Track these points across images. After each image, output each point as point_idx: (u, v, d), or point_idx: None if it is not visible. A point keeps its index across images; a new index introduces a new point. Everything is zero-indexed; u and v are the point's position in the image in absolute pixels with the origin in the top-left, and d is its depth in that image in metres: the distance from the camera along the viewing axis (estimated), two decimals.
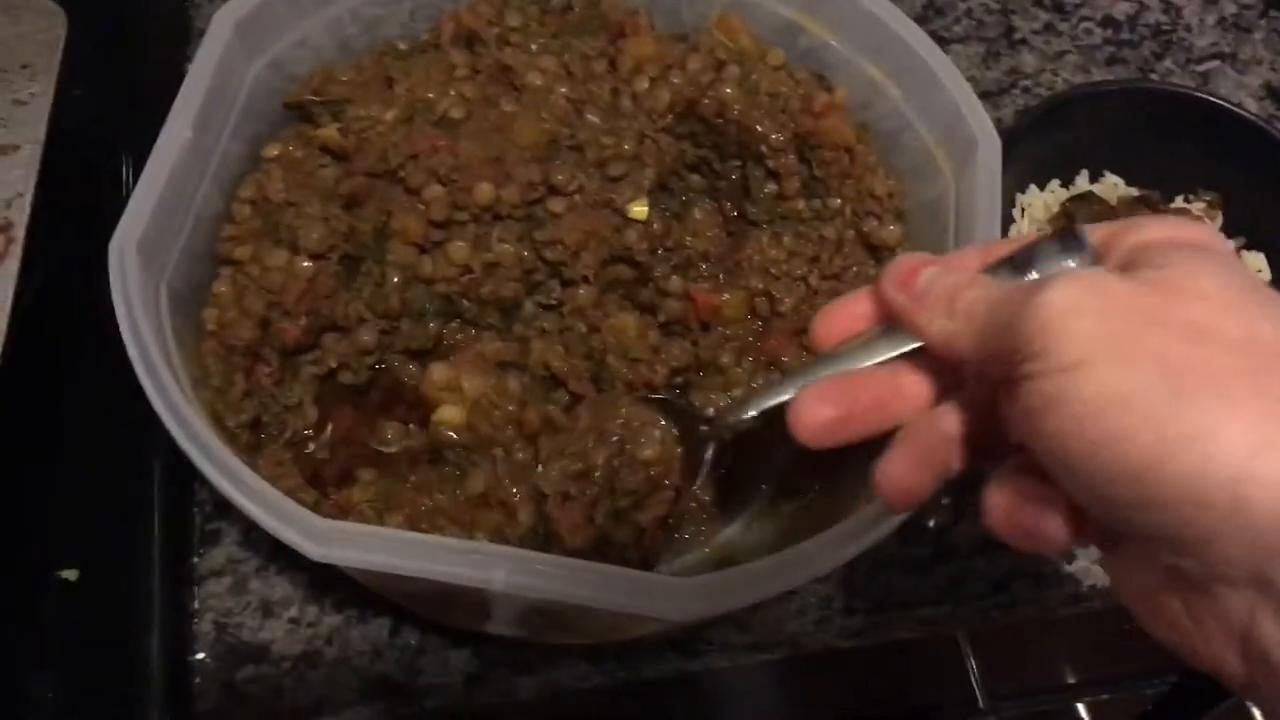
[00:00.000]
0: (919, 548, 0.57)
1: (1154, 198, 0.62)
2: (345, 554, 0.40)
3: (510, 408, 0.52)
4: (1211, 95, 0.62)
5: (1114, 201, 0.62)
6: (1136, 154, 0.63)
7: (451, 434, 0.51)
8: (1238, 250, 0.61)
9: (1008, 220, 0.62)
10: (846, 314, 0.37)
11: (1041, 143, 0.61)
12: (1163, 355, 0.27)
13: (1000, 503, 0.32)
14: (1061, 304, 0.28)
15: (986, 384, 0.32)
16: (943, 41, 0.74)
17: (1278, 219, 0.60)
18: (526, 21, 0.57)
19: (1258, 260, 0.61)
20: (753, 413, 0.40)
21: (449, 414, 0.52)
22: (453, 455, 0.52)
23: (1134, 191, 0.63)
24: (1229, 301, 0.28)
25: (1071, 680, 0.89)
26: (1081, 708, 0.90)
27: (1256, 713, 0.91)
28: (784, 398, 0.37)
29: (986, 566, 0.56)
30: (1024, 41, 0.74)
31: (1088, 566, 0.57)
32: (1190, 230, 0.33)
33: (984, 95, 0.72)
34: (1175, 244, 0.31)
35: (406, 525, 0.49)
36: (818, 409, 0.35)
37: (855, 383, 0.35)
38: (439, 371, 0.53)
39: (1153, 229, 0.32)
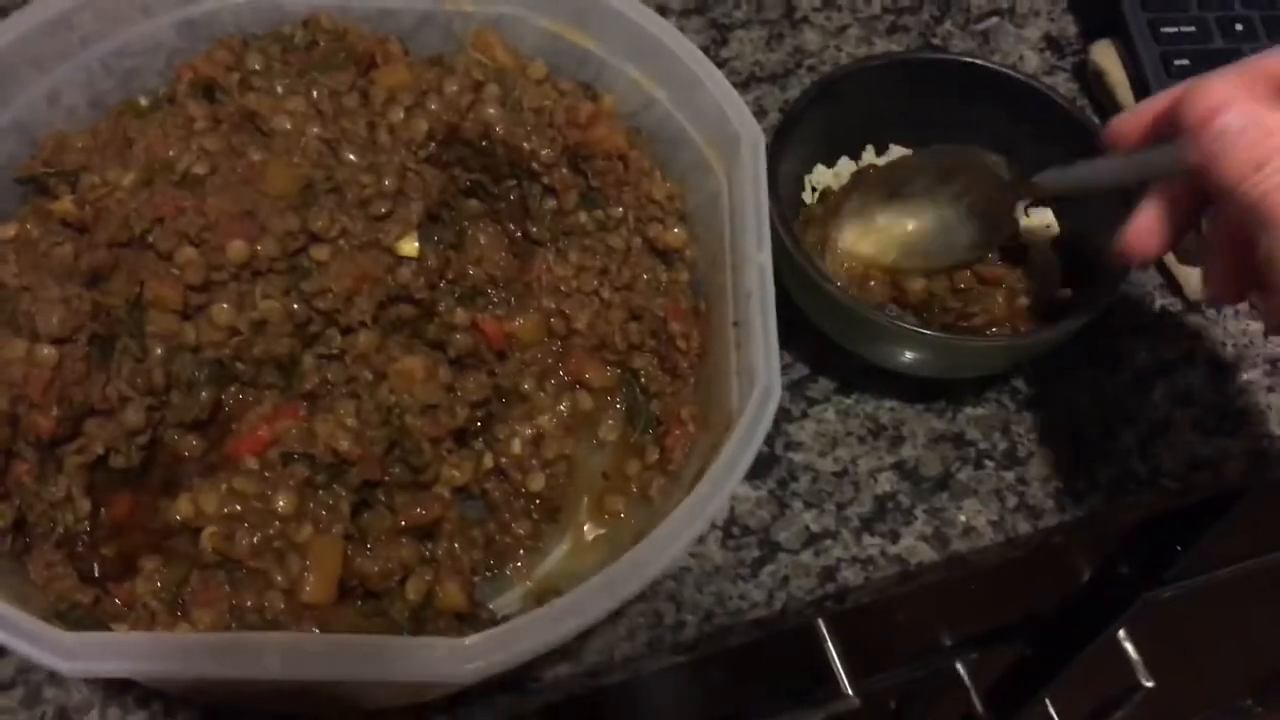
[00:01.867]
0: (745, 551, 0.56)
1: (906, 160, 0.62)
2: (100, 666, 0.37)
3: (275, 524, 0.47)
4: (980, 59, 0.63)
5: None
6: (920, 122, 0.62)
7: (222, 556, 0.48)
8: (1025, 209, 0.61)
9: (797, 202, 0.61)
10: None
11: (823, 121, 0.61)
12: None
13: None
14: None
15: None
16: (724, 28, 0.73)
17: None
18: (269, 62, 0.54)
19: (1045, 215, 0.62)
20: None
21: (210, 540, 0.48)
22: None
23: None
24: None
25: (946, 643, 0.90)
26: (959, 667, 0.91)
27: (1128, 646, 0.93)
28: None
29: (812, 559, 0.56)
30: (805, 20, 0.74)
31: (913, 545, 0.56)
32: None
33: (770, 78, 0.71)
34: None
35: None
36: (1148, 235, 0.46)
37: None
38: (183, 504, 0.49)
39: None
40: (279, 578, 0.46)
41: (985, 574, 0.61)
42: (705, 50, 0.71)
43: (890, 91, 0.62)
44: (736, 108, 0.52)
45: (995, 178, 0.56)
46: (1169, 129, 0.44)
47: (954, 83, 0.62)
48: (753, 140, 0.51)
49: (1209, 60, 0.66)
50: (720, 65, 0.71)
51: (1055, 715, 1.05)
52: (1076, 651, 0.94)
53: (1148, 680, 0.91)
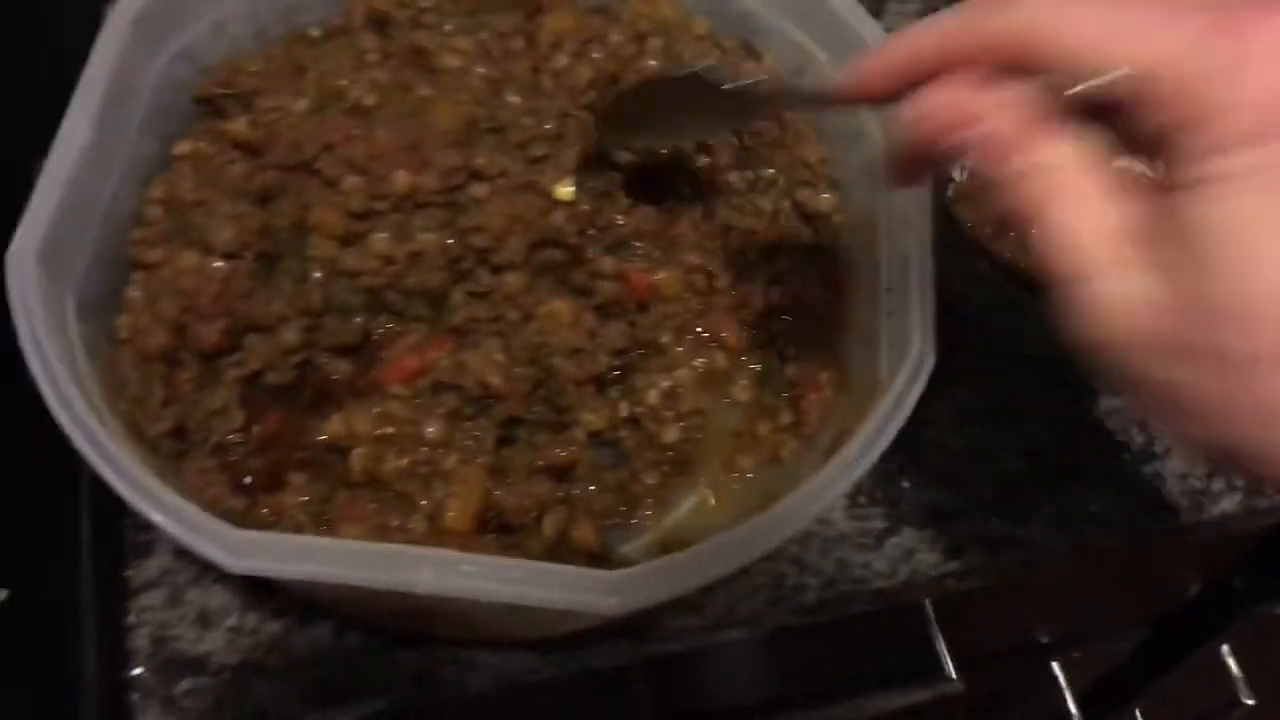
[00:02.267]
0: (870, 521, 0.56)
1: None
2: (264, 565, 0.39)
3: (423, 449, 0.49)
4: None
5: None
6: None
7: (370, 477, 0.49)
8: None
9: (947, 178, 0.61)
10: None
11: None
12: None
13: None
14: None
15: None
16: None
17: None
18: (439, 1, 0.55)
19: None
20: None
21: (359, 461, 0.50)
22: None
23: None
24: None
25: (1044, 640, 0.89)
26: (1056, 666, 0.90)
27: (1230, 662, 0.91)
28: None
29: (939, 535, 0.55)
30: None
31: (1041, 530, 0.56)
32: None
33: None
34: None
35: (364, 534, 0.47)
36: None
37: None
38: (335, 424, 0.50)
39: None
40: (423, 502, 0.47)
41: (1099, 572, 0.60)
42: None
43: None
44: None
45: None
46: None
47: None
48: None
49: None
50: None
51: None
52: (1177, 662, 0.92)
53: (1249, 698, 0.89)
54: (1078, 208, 0.33)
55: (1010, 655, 0.85)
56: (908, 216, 0.49)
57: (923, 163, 0.41)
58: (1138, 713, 1.03)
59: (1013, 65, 0.34)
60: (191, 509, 0.39)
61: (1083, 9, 0.33)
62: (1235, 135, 0.31)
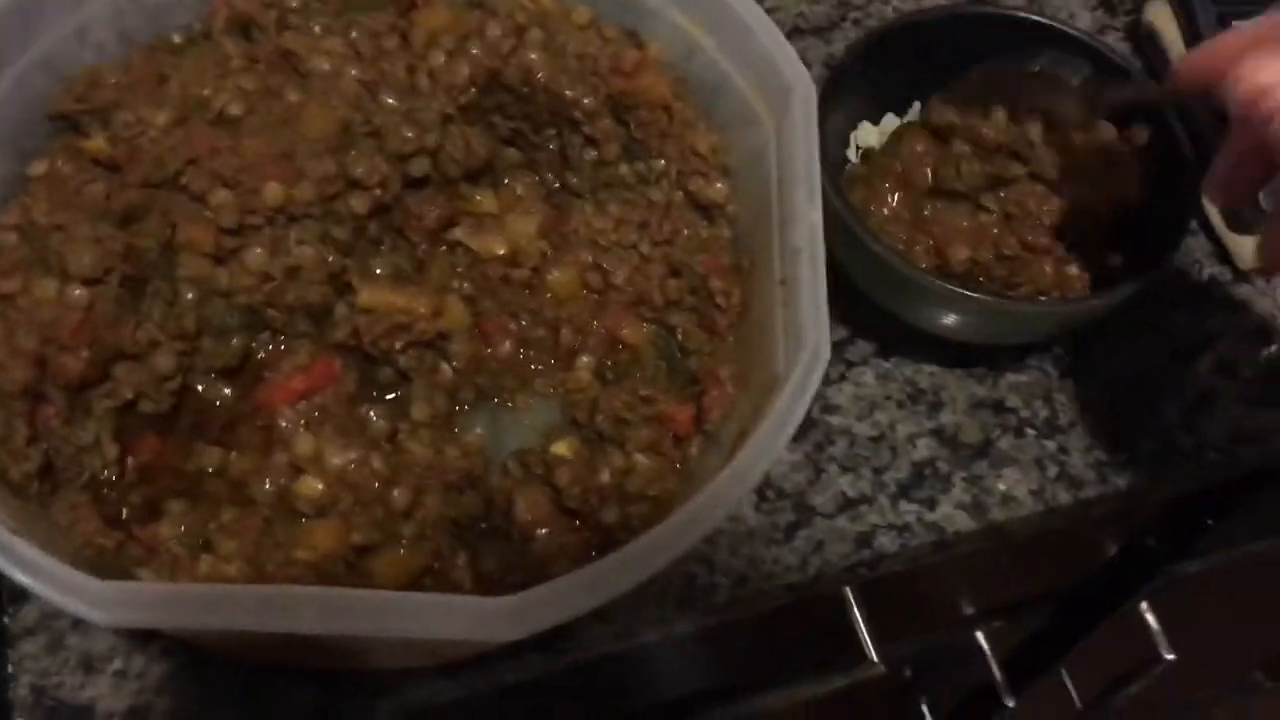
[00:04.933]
0: (779, 515, 0.55)
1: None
2: (132, 616, 0.36)
3: (375, 485, 0.48)
4: (1034, 14, 0.61)
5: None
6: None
7: (307, 504, 0.48)
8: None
9: (841, 160, 0.60)
10: None
11: (870, 77, 0.59)
12: None
13: None
14: None
15: None
16: None
17: None
18: (307, 1, 0.53)
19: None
20: None
21: (308, 486, 0.48)
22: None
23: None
24: None
25: (968, 611, 0.89)
26: (980, 636, 0.90)
27: (1150, 618, 0.92)
28: None
29: (848, 525, 0.55)
30: None
31: (951, 513, 0.55)
32: None
33: (815, 31, 0.70)
34: None
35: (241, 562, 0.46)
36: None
37: None
38: (303, 444, 0.49)
39: None
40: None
41: (1016, 545, 0.60)
42: None
43: (939, 47, 0.60)
44: (788, 58, 0.51)
45: (1070, 89, 0.55)
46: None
47: (1003, 38, 0.60)
48: (805, 92, 0.50)
49: None
50: None
51: (1071, 687, 1.04)
52: (1097, 623, 0.93)
53: (1169, 653, 0.90)
54: None
55: (933, 630, 0.85)
56: (797, 205, 0.47)
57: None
58: (1064, 672, 1.05)
59: None
60: (50, 562, 0.37)
61: None
62: None
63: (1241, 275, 0.62)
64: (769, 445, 0.42)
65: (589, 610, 0.40)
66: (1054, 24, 0.60)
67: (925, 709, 1.06)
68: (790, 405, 0.44)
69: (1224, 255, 0.63)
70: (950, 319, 0.54)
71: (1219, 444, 0.58)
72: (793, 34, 0.69)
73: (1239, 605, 1.11)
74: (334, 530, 0.46)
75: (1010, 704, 0.91)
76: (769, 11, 0.69)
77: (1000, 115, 0.56)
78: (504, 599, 0.38)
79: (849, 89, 0.58)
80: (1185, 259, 0.63)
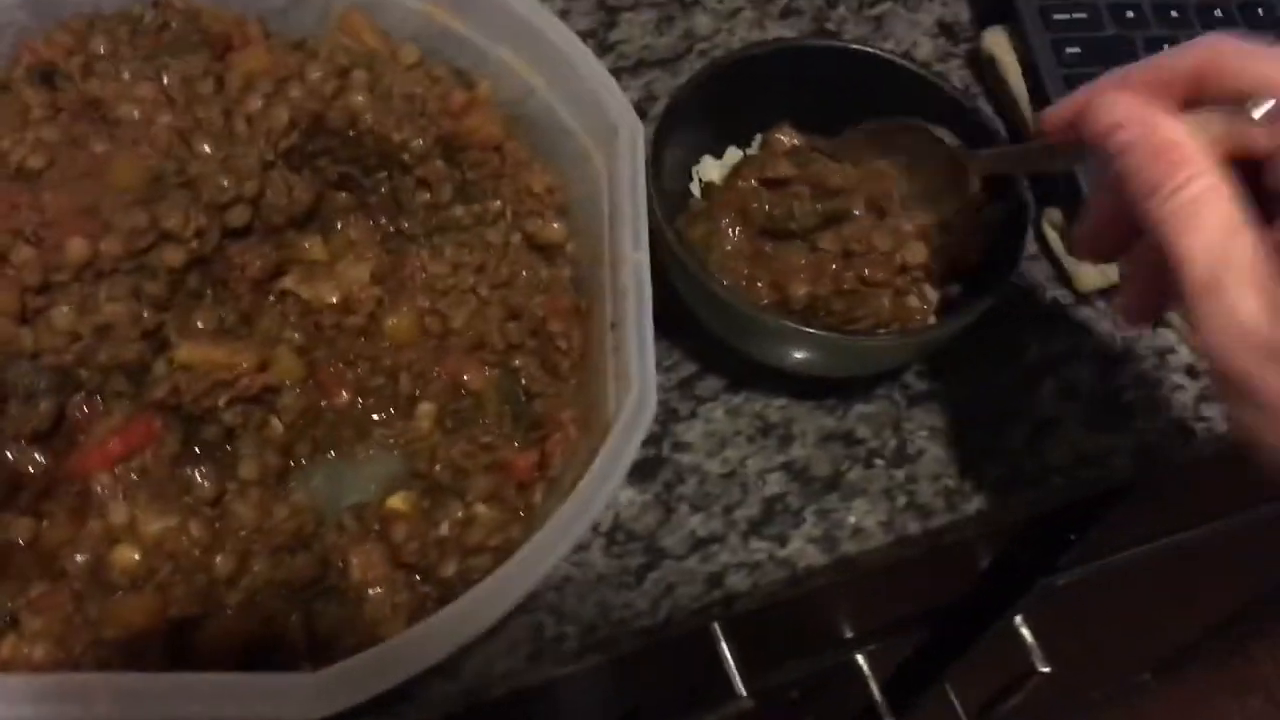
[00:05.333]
0: (629, 558, 0.54)
1: (821, 143, 0.59)
2: None
3: (195, 553, 0.46)
4: (865, 45, 0.61)
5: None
6: (810, 111, 0.60)
7: (122, 575, 0.45)
8: None
9: (685, 194, 0.59)
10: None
11: (710, 110, 0.59)
12: None
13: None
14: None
15: None
16: (613, 10, 0.71)
17: None
18: (115, 46, 0.51)
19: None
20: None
21: (123, 556, 0.46)
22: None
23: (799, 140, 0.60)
24: None
25: (847, 635, 0.89)
26: (860, 659, 0.91)
27: (1025, 632, 0.94)
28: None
29: (698, 565, 0.54)
30: (697, 3, 0.72)
31: (802, 548, 0.55)
32: None
33: (660, 63, 0.69)
34: None
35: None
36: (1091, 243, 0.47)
37: None
38: (118, 511, 0.46)
39: None
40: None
41: (884, 570, 0.60)
42: (593, 33, 0.69)
43: (779, 79, 0.60)
44: (614, 96, 0.50)
45: (942, 147, 0.54)
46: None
47: (844, 70, 0.60)
48: (630, 131, 0.49)
49: (1100, 47, 0.66)
50: (609, 49, 0.69)
51: (956, 701, 1.05)
52: (975, 638, 0.94)
53: (1044, 665, 0.92)
54: (1229, 224, 0.36)
55: (809, 657, 0.85)
56: (623, 246, 0.47)
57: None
58: (948, 688, 1.06)
59: (1192, 98, 0.40)
60: None
61: (1264, 50, 0.39)
62: None
63: (1082, 298, 0.63)
64: (591, 498, 0.42)
65: (410, 675, 0.39)
66: (892, 59, 0.60)
67: None
68: (614, 456, 0.43)
69: (1065, 278, 0.63)
70: (791, 355, 0.54)
71: (1062, 468, 0.58)
72: (639, 66, 0.69)
73: (1114, 613, 1.13)
74: (149, 604, 0.44)
75: None
76: (615, 44, 0.70)
77: (848, 167, 0.57)
78: (312, 675, 0.36)
79: (689, 122, 0.58)
80: (1029, 283, 0.64)
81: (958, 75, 0.71)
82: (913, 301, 0.55)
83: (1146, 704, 1.63)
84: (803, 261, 0.55)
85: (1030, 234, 0.55)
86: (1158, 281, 0.44)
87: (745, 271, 0.56)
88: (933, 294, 0.56)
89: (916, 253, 0.54)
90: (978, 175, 0.54)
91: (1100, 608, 1.07)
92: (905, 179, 0.56)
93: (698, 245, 0.55)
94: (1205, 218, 0.37)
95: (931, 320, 0.56)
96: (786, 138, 0.59)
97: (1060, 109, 0.44)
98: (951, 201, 0.55)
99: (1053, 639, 0.93)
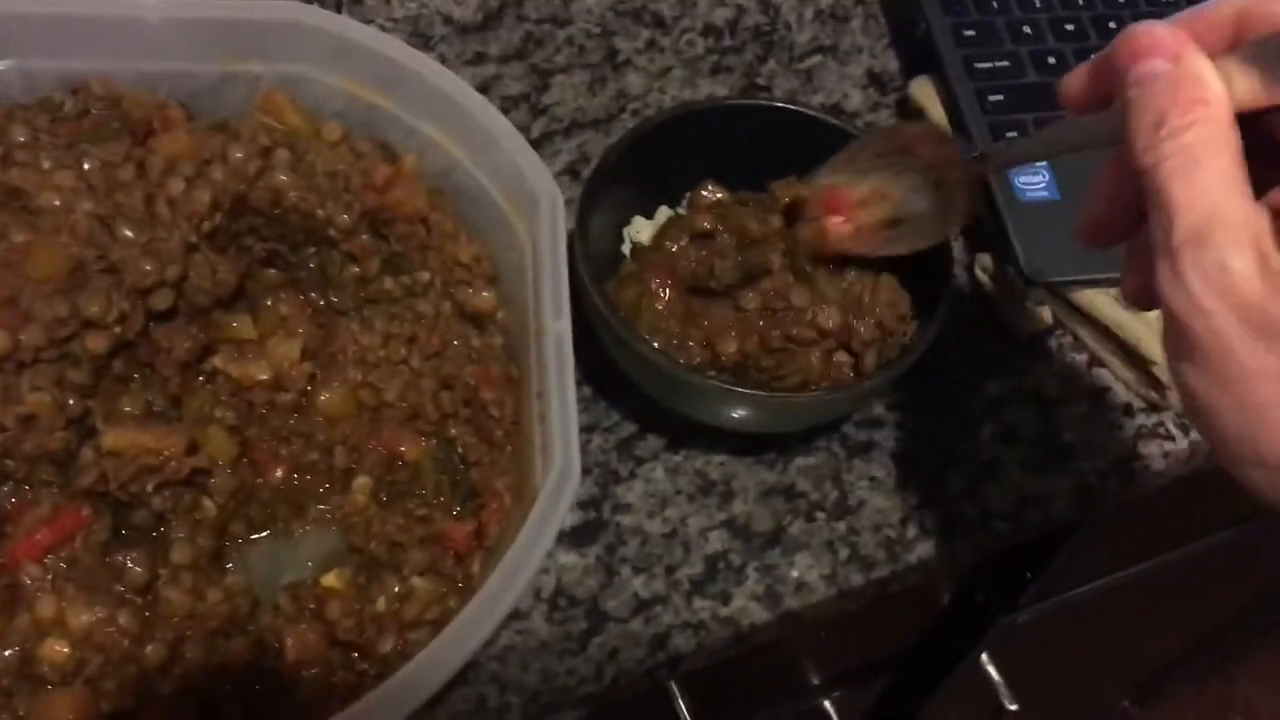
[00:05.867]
0: (571, 624, 0.54)
1: (747, 197, 0.60)
2: None
3: (125, 643, 0.46)
4: (791, 102, 0.62)
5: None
6: (740, 168, 0.61)
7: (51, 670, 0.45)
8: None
9: (617, 256, 0.60)
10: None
11: (639, 170, 0.59)
12: None
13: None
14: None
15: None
16: (545, 73, 0.71)
17: None
18: (35, 134, 0.51)
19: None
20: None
21: (51, 650, 0.45)
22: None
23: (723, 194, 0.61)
24: None
25: (814, 682, 0.89)
26: (828, 705, 0.90)
27: (990, 670, 0.94)
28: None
29: (642, 628, 0.54)
30: (628, 62, 0.73)
31: (745, 605, 0.55)
32: None
33: (594, 124, 0.70)
34: None
35: None
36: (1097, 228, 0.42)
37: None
38: (45, 604, 0.46)
39: None
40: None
41: (835, 620, 0.60)
42: (526, 97, 0.70)
43: (706, 138, 0.60)
44: (532, 164, 0.51)
45: (952, 150, 0.53)
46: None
47: (770, 126, 0.61)
48: (550, 199, 0.50)
49: (1023, 94, 0.67)
50: (541, 112, 0.70)
51: None
52: (941, 680, 0.94)
53: (1011, 703, 0.92)
54: (1229, 172, 0.34)
55: (770, 707, 0.85)
56: (544, 316, 0.47)
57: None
58: None
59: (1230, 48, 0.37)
60: None
61: None
62: None
63: (1018, 343, 0.64)
64: (515, 574, 0.41)
65: None
66: (816, 115, 0.61)
67: None
68: (541, 523, 0.43)
69: (1000, 324, 0.64)
70: (724, 413, 0.54)
71: (1004, 512, 0.59)
72: (571, 128, 0.69)
73: (1081, 646, 1.13)
74: (79, 699, 0.44)
75: None
76: (548, 107, 0.70)
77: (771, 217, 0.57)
78: None
79: (618, 183, 0.58)
80: (964, 330, 0.64)
81: (888, 124, 0.72)
82: (841, 357, 0.55)
83: None
84: (730, 319, 0.55)
85: (950, 284, 0.55)
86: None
87: (677, 331, 0.56)
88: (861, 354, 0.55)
89: (830, 317, 0.54)
90: (995, 172, 0.53)
91: (1067, 642, 1.07)
92: (910, 197, 0.55)
93: (629, 307, 0.56)
94: (1207, 165, 0.34)
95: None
96: (709, 193, 0.59)
97: (1080, 68, 0.41)
98: (957, 214, 0.53)
99: (1021, 676, 0.93)
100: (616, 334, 0.52)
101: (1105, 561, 0.91)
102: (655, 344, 0.53)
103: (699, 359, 0.55)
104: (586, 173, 0.65)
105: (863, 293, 0.55)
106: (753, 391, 0.52)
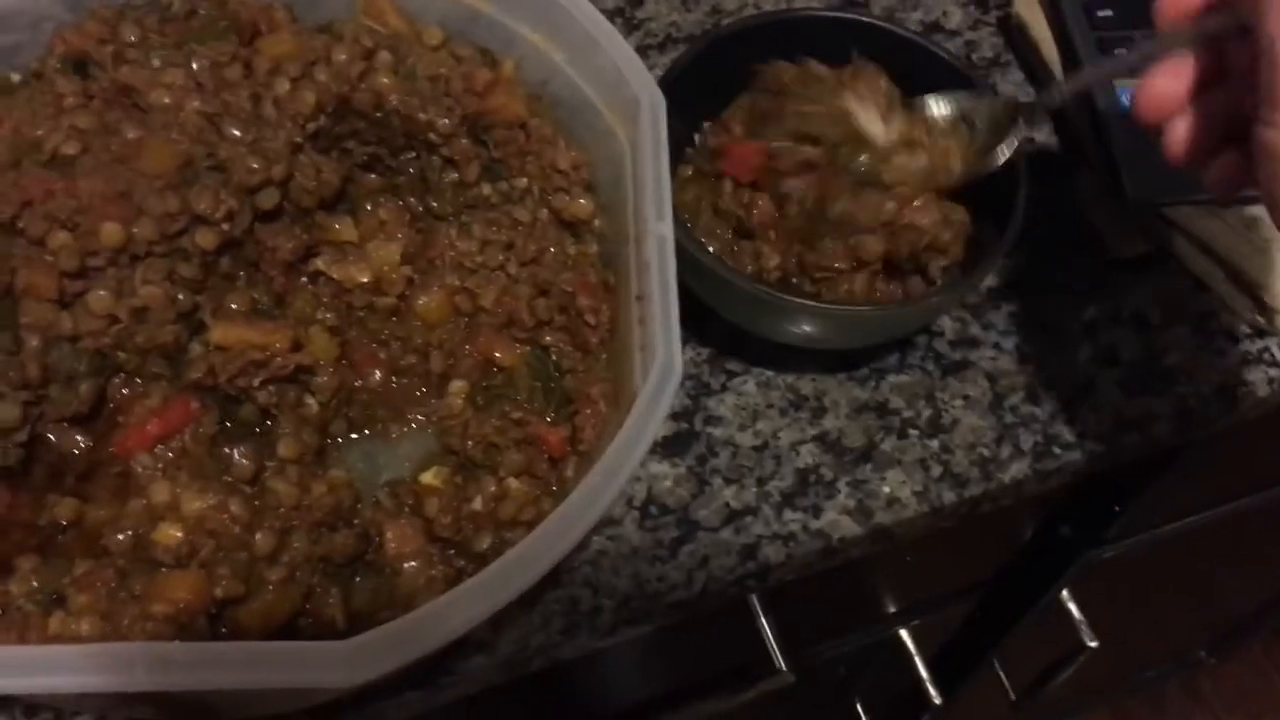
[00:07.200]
0: (663, 531, 0.54)
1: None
2: None
3: (236, 530, 0.47)
4: (865, 16, 0.61)
5: None
6: None
7: (165, 553, 0.46)
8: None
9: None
10: None
11: (710, 80, 0.59)
12: None
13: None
14: None
15: None
16: None
17: None
18: (145, 34, 0.51)
19: None
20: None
21: (165, 535, 0.47)
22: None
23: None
24: None
25: (891, 610, 0.89)
26: (905, 634, 0.90)
27: (1071, 607, 0.93)
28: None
29: (732, 537, 0.54)
30: None
31: (836, 519, 0.55)
32: None
33: (689, 39, 0.69)
34: None
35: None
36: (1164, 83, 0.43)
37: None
38: (159, 490, 0.47)
39: None
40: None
41: (922, 541, 0.59)
42: (620, 11, 0.69)
43: (780, 50, 0.59)
44: (635, 69, 0.50)
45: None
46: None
47: (843, 40, 0.59)
48: (652, 104, 0.49)
49: (1133, 7, 0.64)
50: (636, 26, 0.69)
51: (1004, 678, 1.04)
52: (1021, 614, 0.93)
53: (1092, 640, 0.91)
54: None
55: (849, 633, 0.85)
56: (647, 218, 0.47)
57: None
58: (996, 664, 1.05)
59: None
60: None
61: None
62: None
63: (1117, 263, 0.62)
64: (617, 468, 0.42)
65: (441, 645, 0.39)
66: (893, 29, 0.60)
67: (860, 708, 1.06)
68: (640, 426, 0.43)
69: (1098, 245, 0.63)
70: (799, 327, 0.54)
71: (1101, 434, 0.58)
72: (666, 43, 0.69)
73: (1164, 587, 1.12)
74: (193, 581, 0.45)
75: (938, 701, 0.91)
76: (642, 22, 0.70)
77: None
78: (341, 644, 0.37)
79: (688, 93, 0.57)
80: (1061, 250, 0.63)
81: (989, 43, 0.70)
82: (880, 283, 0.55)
83: (1201, 682, 1.61)
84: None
85: (1022, 195, 0.54)
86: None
87: (730, 239, 0.56)
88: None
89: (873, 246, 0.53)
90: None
91: (1149, 581, 1.06)
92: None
93: (689, 208, 0.56)
94: None
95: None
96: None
97: None
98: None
99: (1101, 614, 0.92)
100: (683, 248, 0.51)
101: (1194, 499, 0.89)
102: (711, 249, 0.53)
103: (750, 268, 0.55)
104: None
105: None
106: (804, 301, 0.52)
